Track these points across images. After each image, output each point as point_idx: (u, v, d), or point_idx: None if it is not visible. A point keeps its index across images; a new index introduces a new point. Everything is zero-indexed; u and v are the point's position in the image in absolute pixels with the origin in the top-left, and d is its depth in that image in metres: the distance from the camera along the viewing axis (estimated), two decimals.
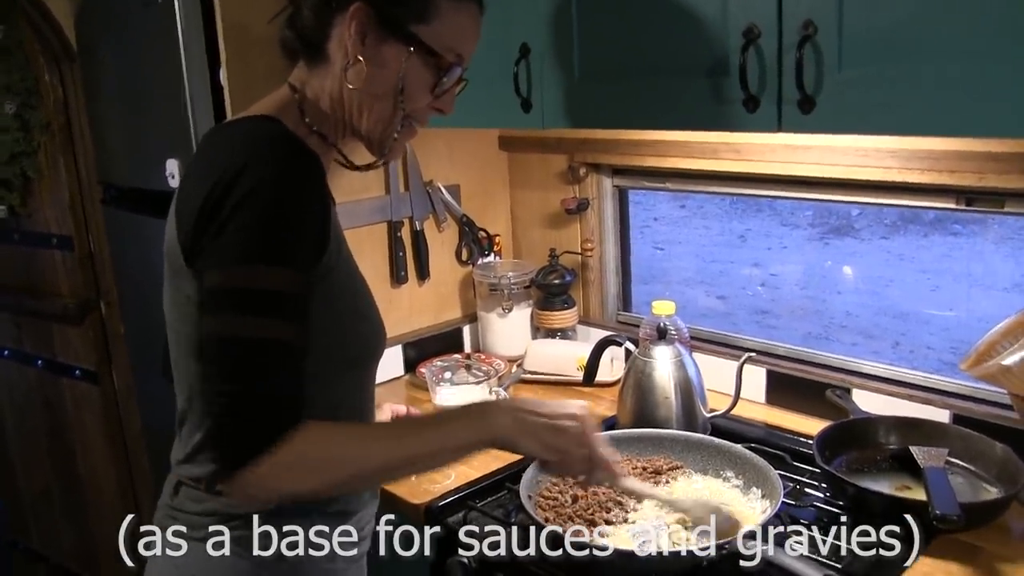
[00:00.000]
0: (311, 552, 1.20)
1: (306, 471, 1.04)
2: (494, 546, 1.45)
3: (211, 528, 1.16)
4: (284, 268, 1.02)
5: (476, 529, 1.50)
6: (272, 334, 1.01)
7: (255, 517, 1.16)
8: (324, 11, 1.15)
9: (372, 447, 1.09)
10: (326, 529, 1.22)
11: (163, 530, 1.21)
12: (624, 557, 1.31)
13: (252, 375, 1.00)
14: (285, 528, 1.18)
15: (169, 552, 1.20)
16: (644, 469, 1.56)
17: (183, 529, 1.19)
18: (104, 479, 2.87)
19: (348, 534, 1.26)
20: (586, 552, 1.32)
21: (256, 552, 1.16)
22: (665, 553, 1.31)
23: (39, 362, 2.94)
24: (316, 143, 1.17)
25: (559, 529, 1.36)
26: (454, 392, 1.97)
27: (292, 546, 1.18)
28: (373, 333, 1.26)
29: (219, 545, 1.16)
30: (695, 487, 1.52)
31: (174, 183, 2.05)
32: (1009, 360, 1.41)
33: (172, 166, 2.05)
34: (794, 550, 1.30)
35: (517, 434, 1.14)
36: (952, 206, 1.66)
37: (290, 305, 1.03)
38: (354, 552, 1.28)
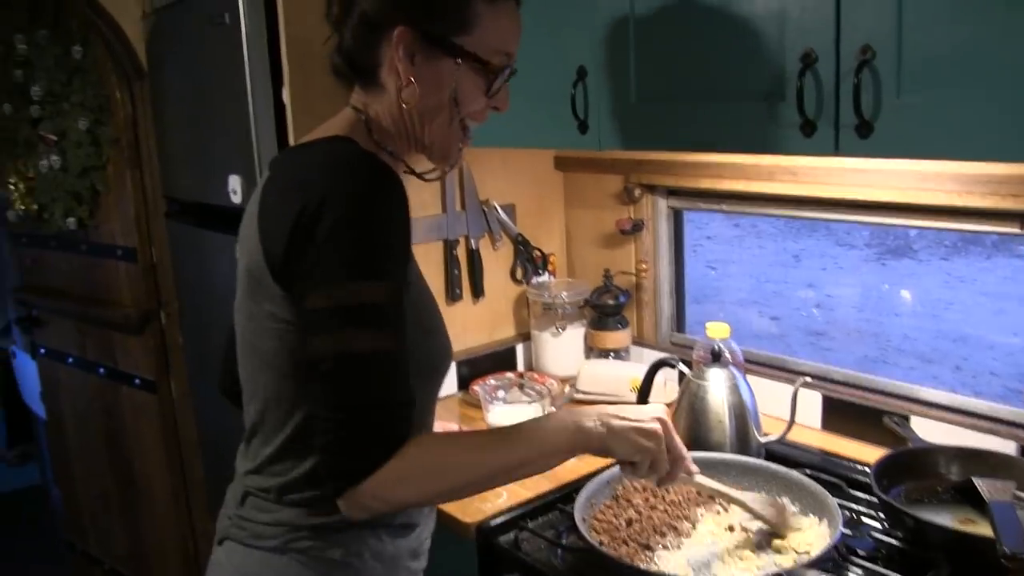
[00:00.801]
0: (375, 563, 1.22)
1: (420, 480, 1.08)
2: (545, 567, 1.46)
3: (279, 538, 1.19)
4: (382, 281, 1.06)
5: (527, 549, 1.51)
6: (383, 346, 1.05)
7: (323, 528, 1.18)
8: (368, 37, 1.19)
9: (481, 455, 1.13)
10: (390, 541, 1.24)
11: (229, 539, 1.24)
12: None
13: (366, 387, 1.04)
14: (351, 539, 1.20)
15: (235, 560, 1.23)
16: (698, 494, 1.55)
17: (250, 538, 1.21)
18: (159, 486, 2.93)
19: (410, 547, 1.28)
20: None
21: (322, 561, 1.19)
22: None
23: (101, 370, 3.01)
24: (387, 159, 1.20)
25: (613, 553, 1.36)
26: (506, 411, 1.98)
27: (358, 556, 1.21)
28: (443, 347, 1.29)
29: (285, 553, 1.19)
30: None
31: (236, 199, 2.10)
32: None
33: (234, 182, 2.10)
34: None
35: (609, 438, 1.17)
36: (1016, 231, 1.63)
37: (393, 316, 1.07)
38: (414, 564, 1.31)
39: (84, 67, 2.68)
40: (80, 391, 3.15)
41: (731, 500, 1.42)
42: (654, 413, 1.23)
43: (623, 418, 1.19)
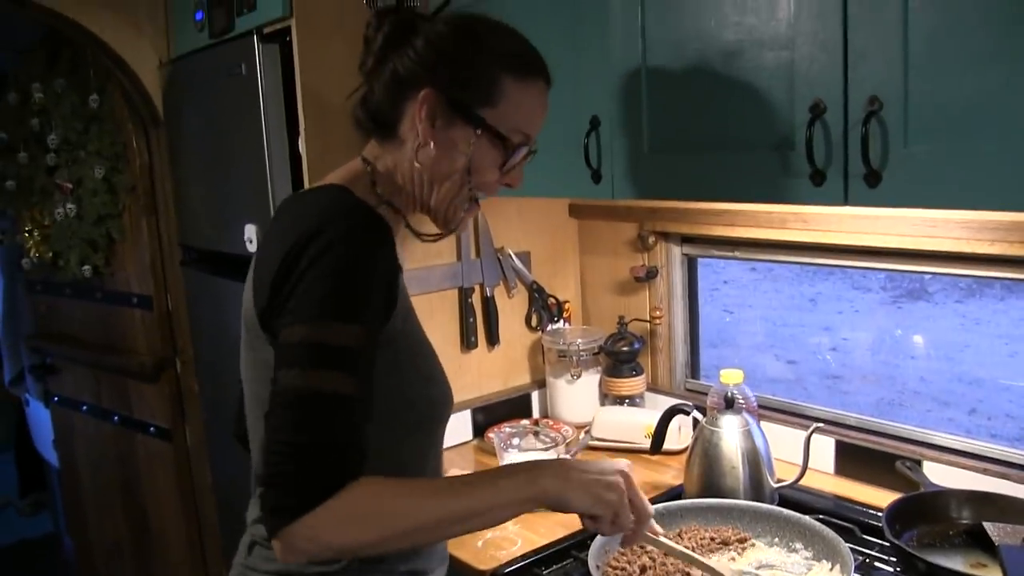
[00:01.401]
0: None
1: (359, 524, 1.03)
2: None
3: None
4: (354, 324, 1.05)
5: None
6: (342, 388, 1.03)
7: (341, 574, 1.18)
8: (396, 93, 1.20)
9: (425, 502, 1.09)
10: None
11: None
12: None
13: (316, 426, 1.02)
14: None
15: None
16: (712, 540, 1.55)
17: None
18: (173, 534, 2.93)
19: None
20: None
21: None
22: None
23: (116, 417, 3.02)
24: (386, 212, 1.21)
25: None
26: (522, 458, 1.98)
27: None
28: (441, 395, 1.28)
29: None
30: (763, 558, 1.51)
31: (252, 247, 2.12)
32: None
33: (250, 231, 2.13)
34: None
35: (568, 490, 1.14)
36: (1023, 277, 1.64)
37: (359, 361, 1.05)
38: None
39: (101, 115, 2.73)
40: (94, 439, 3.16)
41: (697, 564, 1.36)
42: (616, 467, 1.20)
43: (583, 471, 1.17)
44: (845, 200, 1.29)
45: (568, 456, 2.00)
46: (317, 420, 1.02)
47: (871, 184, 1.25)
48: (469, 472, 1.55)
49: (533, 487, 1.13)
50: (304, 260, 1.06)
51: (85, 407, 3.14)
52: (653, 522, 1.27)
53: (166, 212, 2.71)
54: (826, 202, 1.32)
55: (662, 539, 1.31)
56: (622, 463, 1.22)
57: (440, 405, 1.28)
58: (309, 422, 1.02)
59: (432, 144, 1.19)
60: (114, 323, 2.95)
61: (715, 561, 1.38)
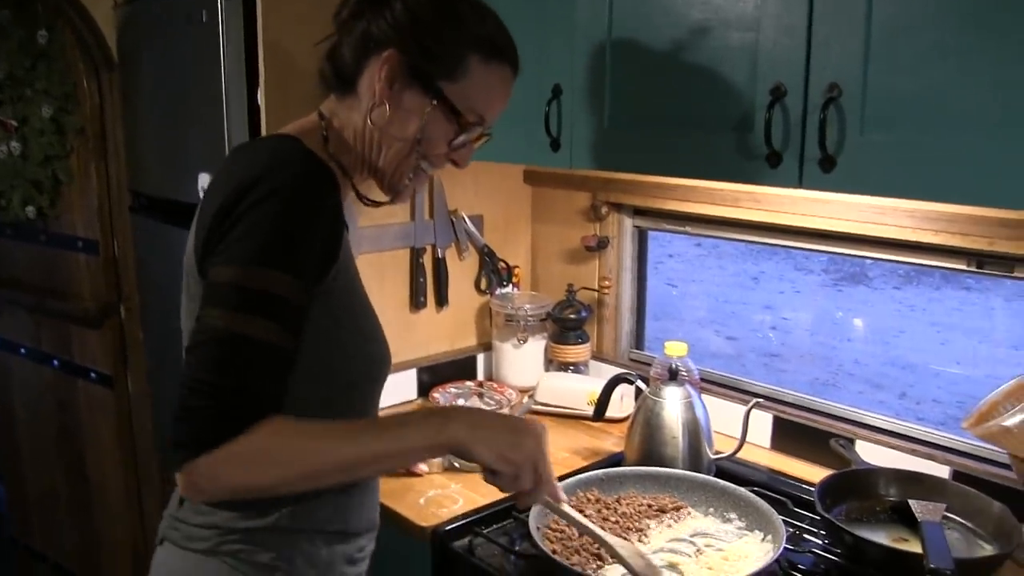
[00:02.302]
0: (307, 568, 1.22)
1: (259, 465, 1.03)
2: (498, 573, 1.49)
3: (210, 541, 1.18)
4: (287, 274, 1.05)
5: (481, 555, 1.54)
6: (265, 336, 1.03)
7: (254, 531, 1.18)
8: (362, 49, 1.20)
9: (328, 445, 1.08)
10: (325, 547, 1.24)
11: (167, 539, 1.23)
12: None
13: (231, 369, 1.02)
14: (283, 543, 1.20)
15: (169, 562, 1.22)
16: (649, 507, 1.59)
17: (183, 540, 1.20)
18: (112, 483, 2.90)
19: (347, 553, 1.28)
20: None
21: (252, 565, 1.18)
22: None
23: (55, 362, 2.98)
24: (335, 172, 1.20)
25: (565, 562, 1.39)
26: None
27: (289, 560, 1.20)
28: (379, 354, 1.28)
29: (216, 556, 1.18)
30: (697, 526, 1.56)
31: None
32: (1010, 421, 1.44)
33: (204, 180, 2.10)
34: None
35: (473, 441, 1.13)
36: (963, 267, 1.70)
37: (287, 312, 1.05)
38: (351, 570, 1.30)
39: (50, 53, 2.65)
40: (32, 383, 3.11)
41: (598, 540, 1.35)
42: (531, 428, 1.19)
43: (496, 425, 1.18)
44: (800, 183, 1.32)
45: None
46: (236, 363, 1.02)
47: (825, 169, 1.29)
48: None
49: (441, 434, 1.13)
50: (244, 204, 1.05)
51: (24, 350, 3.09)
52: (559, 491, 1.27)
53: (116, 157, 2.66)
54: (781, 184, 1.35)
55: (563, 507, 1.30)
56: (537, 425, 1.21)
57: (378, 364, 1.28)
58: (228, 363, 1.02)
59: (387, 105, 1.18)
60: (58, 267, 2.90)
61: (612, 538, 1.35)
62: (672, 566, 1.43)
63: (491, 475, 1.18)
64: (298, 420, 1.07)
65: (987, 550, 1.49)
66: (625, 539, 1.47)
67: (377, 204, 1.30)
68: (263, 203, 1.05)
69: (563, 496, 1.29)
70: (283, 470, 1.05)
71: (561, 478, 1.57)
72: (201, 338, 1.04)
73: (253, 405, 1.02)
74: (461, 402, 2.12)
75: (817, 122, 1.27)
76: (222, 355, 1.02)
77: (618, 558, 1.32)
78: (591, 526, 1.34)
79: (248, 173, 1.08)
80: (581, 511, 1.55)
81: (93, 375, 2.84)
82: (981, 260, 1.67)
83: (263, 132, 1.97)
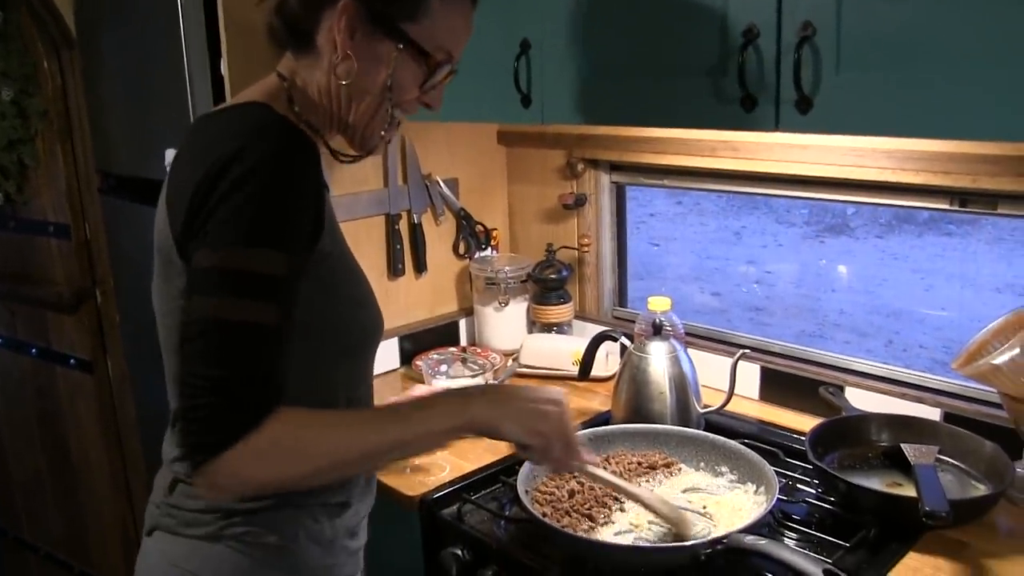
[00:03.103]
0: (312, 545, 1.20)
1: (280, 459, 1.00)
2: (488, 538, 1.47)
3: (212, 525, 1.14)
4: (276, 251, 1.00)
5: (470, 521, 1.52)
6: (259, 318, 0.99)
7: (257, 512, 1.14)
8: (313, 1, 1.14)
9: (349, 434, 1.06)
10: (327, 522, 1.22)
11: (158, 528, 1.19)
12: (624, 551, 1.33)
13: (235, 359, 0.97)
14: (286, 522, 1.17)
15: (165, 550, 1.18)
16: (639, 464, 1.58)
17: (180, 527, 1.16)
18: (97, 468, 2.87)
19: (347, 526, 1.26)
20: (584, 547, 1.34)
21: (257, 547, 1.15)
22: (664, 547, 1.32)
23: (33, 350, 2.93)
24: (305, 131, 1.15)
25: (556, 524, 1.37)
26: (450, 385, 1.98)
27: (294, 539, 1.18)
28: (371, 320, 1.24)
29: (219, 541, 1.14)
30: (689, 481, 1.54)
31: None
32: (999, 359, 1.42)
33: (171, 155, 2.04)
34: (789, 544, 1.32)
35: (499, 419, 1.13)
36: (946, 207, 1.68)
37: (280, 290, 1.01)
38: (352, 543, 1.29)
39: (7, 34, 2.57)
40: (10, 372, 3.06)
41: (627, 495, 1.39)
42: (551, 396, 1.19)
43: (518, 399, 1.16)
44: (776, 125, 1.29)
45: (497, 383, 2.01)
46: (234, 352, 0.98)
47: (802, 110, 1.26)
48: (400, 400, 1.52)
49: (463, 415, 1.11)
50: (225, 182, 1.00)
51: (0, 340, 3.04)
52: (583, 451, 1.27)
53: (82, 137, 2.60)
54: (757, 128, 1.32)
55: (591, 468, 1.32)
56: (556, 391, 1.21)
57: (371, 330, 1.24)
58: (226, 354, 0.97)
59: (351, 57, 1.12)
60: (29, 253, 2.84)
61: (642, 489, 1.40)
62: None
63: (522, 449, 1.19)
64: (311, 411, 1.04)
65: (981, 490, 1.49)
66: (616, 498, 1.46)
67: (353, 159, 1.25)
68: (246, 179, 1.00)
69: (591, 459, 1.30)
70: (309, 462, 1.03)
71: None
72: (195, 330, 0.99)
73: (263, 393, 0.99)
74: (444, 368, 2.09)
75: (792, 63, 1.24)
76: (218, 345, 0.97)
77: (652, 509, 1.36)
78: (624, 484, 1.37)
79: (225, 147, 1.02)
80: (570, 474, 1.54)
81: (72, 361, 2.80)
82: (964, 199, 1.65)
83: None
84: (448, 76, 1.21)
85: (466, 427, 1.12)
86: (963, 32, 1.10)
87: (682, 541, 1.31)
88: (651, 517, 1.40)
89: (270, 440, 0.98)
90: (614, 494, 1.47)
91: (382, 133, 1.21)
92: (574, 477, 1.51)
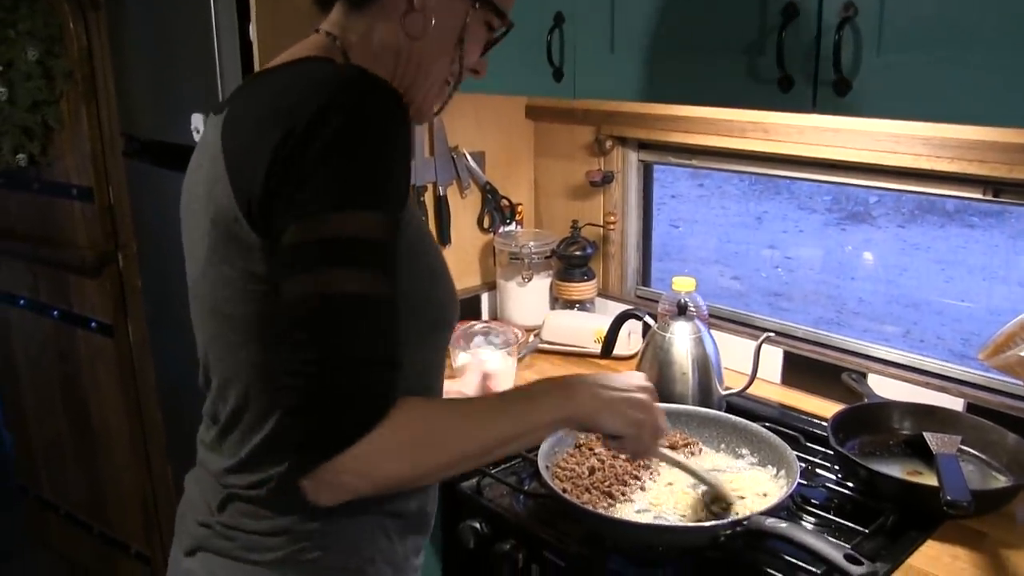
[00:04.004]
0: (385, 567, 1.10)
1: (413, 452, 0.92)
2: (507, 512, 1.47)
3: (282, 550, 1.03)
4: (379, 212, 0.90)
5: (489, 495, 1.52)
6: (370, 288, 0.88)
7: (329, 534, 1.04)
8: None
9: (471, 426, 0.98)
10: (399, 540, 1.12)
11: (207, 550, 1.07)
12: (644, 529, 1.33)
13: (356, 340, 0.87)
14: (361, 543, 1.07)
15: None
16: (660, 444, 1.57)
17: (241, 551, 1.04)
18: (116, 431, 2.89)
19: (416, 545, 1.18)
20: (603, 523, 1.34)
21: (332, 572, 1.05)
22: (685, 526, 1.32)
23: (55, 313, 2.95)
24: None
25: (576, 500, 1.37)
26: (471, 359, 1.97)
27: (371, 562, 1.08)
28: (447, 295, 1.12)
29: (293, 569, 1.03)
30: (709, 463, 1.54)
31: (199, 137, 2.05)
32: None
33: (197, 120, 2.05)
34: (808, 528, 1.31)
35: (601, 410, 1.09)
36: (979, 196, 1.65)
37: (387, 255, 0.91)
38: (417, 561, 1.20)
39: None
40: (33, 334, 3.09)
41: (689, 472, 1.38)
42: (639, 383, 1.15)
43: (612, 388, 1.11)
44: (813, 107, 1.28)
45: (519, 358, 2.00)
46: (349, 332, 0.87)
47: (840, 92, 1.24)
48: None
49: (567, 407, 1.06)
50: (314, 144, 0.88)
51: (22, 301, 3.06)
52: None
53: (107, 100, 2.60)
54: (793, 108, 1.31)
55: (669, 452, 1.32)
56: (641, 377, 1.18)
57: (448, 307, 1.12)
58: (339, 335, 0.87)
59: (425, 12, 1.04)
60: (52, 215, 2.85)
61: (714, 476, 1.40)
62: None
63: (614, 440, 1.14)
64: (431, 401, 0.98)
65: (1002, 481, 1.48)
66: (636, 476, 1.46)
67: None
68: (336, 135, 0.88)
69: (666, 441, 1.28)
70: (437, 456, 0.95)
71: None
72: (300, 313, 0.88)
73: (384, 379, 0.89)
74: (464, 344, 2.08)
75: (832, 43, 1.22)
76: (328, 327, 0.87)
77: (709, 484, 1.37)
78: (688, 463, 1.38)
79: (304, 106, 0.90)
80: (590, 449, 1.54)
81: (93, 324, 2.82)
82: (998, 188, 1.63)
83: (256, 67, 1.92)
84: (502, 38, 1.16)
85: (570, 419, 1.09)
86: (1007, 16, 1.08)
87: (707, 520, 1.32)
88: (672, 497, 1.40)
89: (400, 432, 0.89)
90: (635, 472, 1.47)
91: (441, 103, 1.15)
92: (594, 454, 1.51)
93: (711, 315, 1.98)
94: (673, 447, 1.56)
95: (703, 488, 1.41)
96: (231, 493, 1.05)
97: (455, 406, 1.03)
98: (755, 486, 1.44)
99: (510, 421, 1.02)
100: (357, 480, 0.89)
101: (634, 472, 1.48)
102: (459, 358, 1.98)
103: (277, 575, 1.03)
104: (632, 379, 1.16)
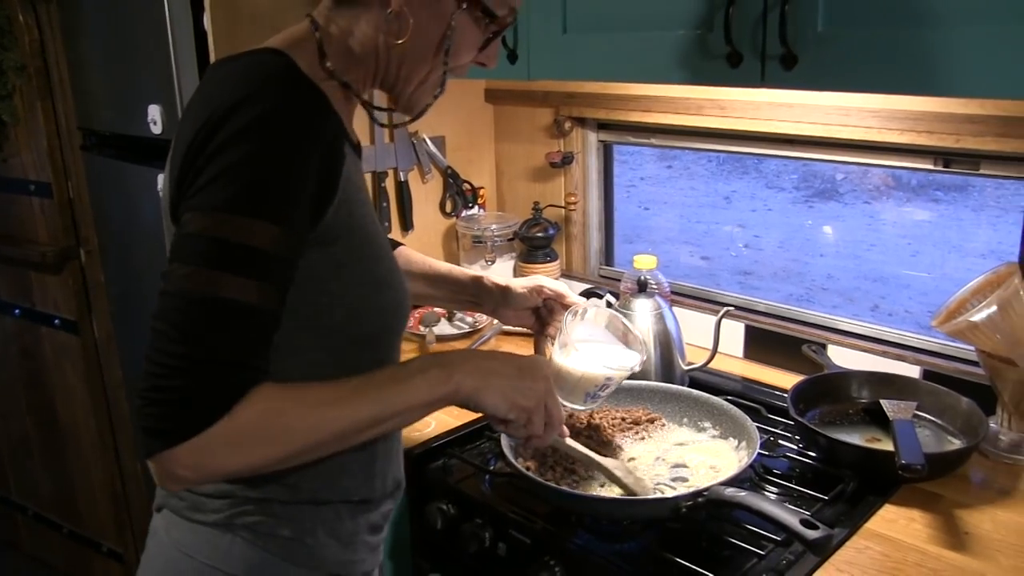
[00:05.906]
0: (330, 540, 1.11)
1: (251, 446, 0.90)
2: (474, 492, 1.48)
3: (223, 512, 1.05)
4: (272, 224, 0.89)
5: (455, 476, 1.53)
6: (242, 296, 0.88)
7: (272, 503, 1.06)
8: None
9: (326, 413, 0.95)
10: (349, 518, 1.13)
11: (167, 507, 1.10)
12: (606, 504, 1.34)
13: (213, 339, 0.87)
14: (304, 514, 1.08)
15: (174, 535, 1.08)
16: (623, 419, 1.59)
17: (189, 510, 1.07)
18: (84, 428, 2.88)
19: (371, 522, 1.17)
20: (568, 500, 1.35)
21: (272, 539, 1.07)
22: (646, 499, 1.33)
23: (16, 311, 2.92)
24: (331, 89, 1.02)
25: (540, 478, 1.38)
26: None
27: (311, 533, 1.09)
28: (393, 303, 1.10)
29: (231, 531, 1.05)
30: (673, 437, 1.55)
31: (156, 129, 2.04)
32: (977, 317, 1.44)
33: (154, 112, 2.04)
34: (769, 497, 1.33)
35: (483, 391, 1.05)
36: (930, 167, 1.68)
37: (269, 267, 0.90)
38: (374, 539, 1.20)
39: None
40: None
41: (595, 466, 1.37)
42: (537, 367, 1.11)
43: (501, 373, 1.07)
44: (762, 80, 1.29)
45: (481, 343, 2.01)
46: (210, 331, 0.87)
47: (787, 66, 1.26)
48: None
49: (446, 385, 1.02)
50: (220, 136, 0.89)
51: None
52: (563, 427, 1.24)
53: (62, 94, 2.57)
54: (742, 83, 1.32)
55: (568, 442, 1.31)
56: (541, 362, 1.15)
57: (392, 314, 1.10)
58: (200, 332, 0.87)
59: (407, 12, 1.01)
60: (11, 212, 2.82)
61: (615, 463, 1.38)
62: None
63: (500, 423, 1.11)
64: (285, 388, 0.93)
65: (955, 444, 1.51)
66: (601, 453, 1.47)
67: (397, 125, 1.17)
68: (239, 136, 0.88)
69: (566, 431, 1.27)
70: (276, 450, 0.93)
71: None
72: (169, 302, 0.88)
73: (234, 380, 0.88)
74: (425, 329, 2.09)
75: (777, 18, 1.23)
76: (193, 321, 0.87)
77: (615, 480, 1.35)
78: (593, 456, 1.36)
79: (223, 99, 0.90)
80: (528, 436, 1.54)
81: (57, 321, 2.79)
82: (948, 159, 1.65)
83: (211, 58, 1.90)
84: (505, 29, 1.13)
85: (449, 398, 1.03)
86: None
87: None
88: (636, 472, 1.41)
89: (239, 425, 0.88)
90: (598, 450, 1.48)
91: (431, 100, 1.12)
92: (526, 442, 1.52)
93: (674, 292, 1.99)
94: (636, 423, 1.58)
95: (671, 463, 1.44)
96: None
97: (313, 394, 0.97)
98: (716, 459, 1.45)
99: (377, 405, 0.98)
100: (189, 473, 0.89)
101: (599, 449, 1.48)
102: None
103: (219, 533, 1.05)
104: (528, 363, 1.11)
